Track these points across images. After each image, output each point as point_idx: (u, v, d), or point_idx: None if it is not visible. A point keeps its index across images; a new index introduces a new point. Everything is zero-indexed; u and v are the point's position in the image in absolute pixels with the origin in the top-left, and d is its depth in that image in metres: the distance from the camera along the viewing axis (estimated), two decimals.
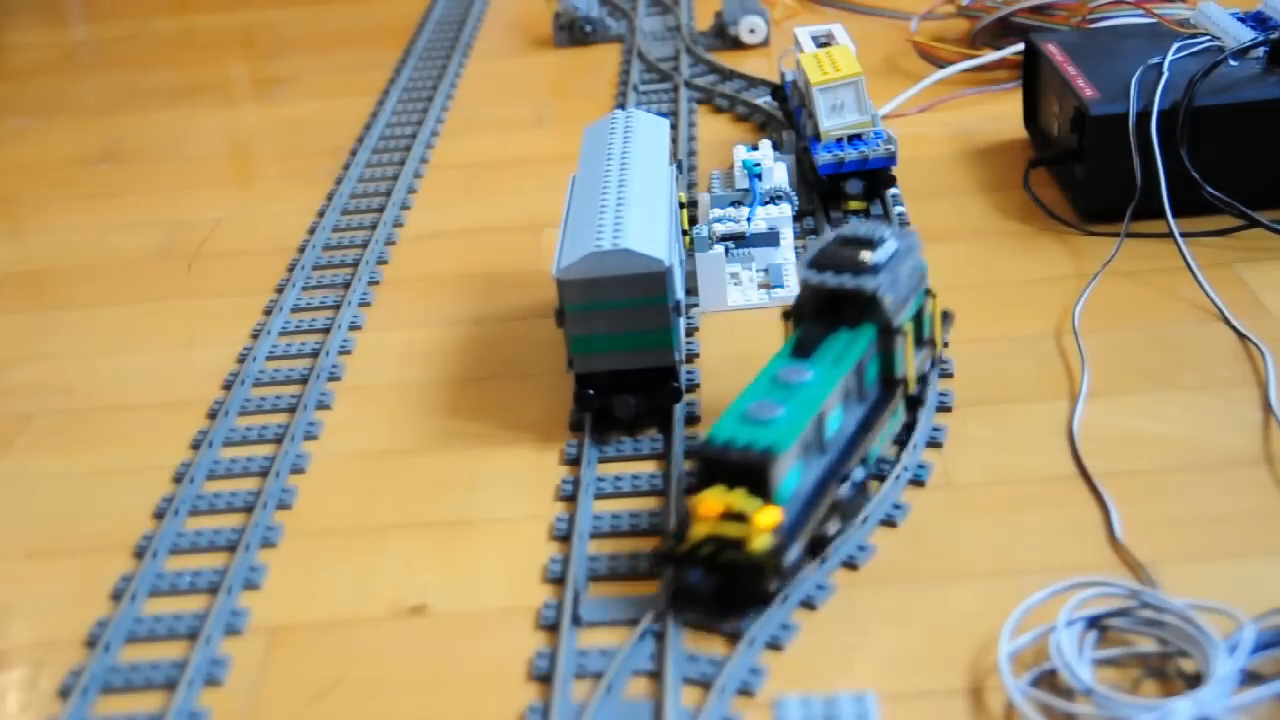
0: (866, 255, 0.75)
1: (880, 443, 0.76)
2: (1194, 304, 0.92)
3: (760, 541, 0.65)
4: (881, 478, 0.77)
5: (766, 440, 0.67)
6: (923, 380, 0.81)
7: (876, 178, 1.07)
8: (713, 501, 0.66)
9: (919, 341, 0.79)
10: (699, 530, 0.67)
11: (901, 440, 0.80)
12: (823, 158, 1.06)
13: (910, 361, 0.77)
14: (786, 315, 0.77)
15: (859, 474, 0.73)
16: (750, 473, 0.66)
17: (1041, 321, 0.92)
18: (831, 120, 1.06)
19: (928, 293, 0.79)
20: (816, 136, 1.07)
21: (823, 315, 0.75)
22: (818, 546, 0.71)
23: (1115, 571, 0.69)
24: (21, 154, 1.48)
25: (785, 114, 1.25)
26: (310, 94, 1.58)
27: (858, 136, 1.07)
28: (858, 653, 0.67)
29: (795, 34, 1.17)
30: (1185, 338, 0.89)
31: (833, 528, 0.72)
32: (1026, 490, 0.76)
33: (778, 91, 1.25)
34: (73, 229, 1.27)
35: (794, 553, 0.68)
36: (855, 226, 0.78)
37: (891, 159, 1.06)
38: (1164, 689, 0.62)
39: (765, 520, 0.65)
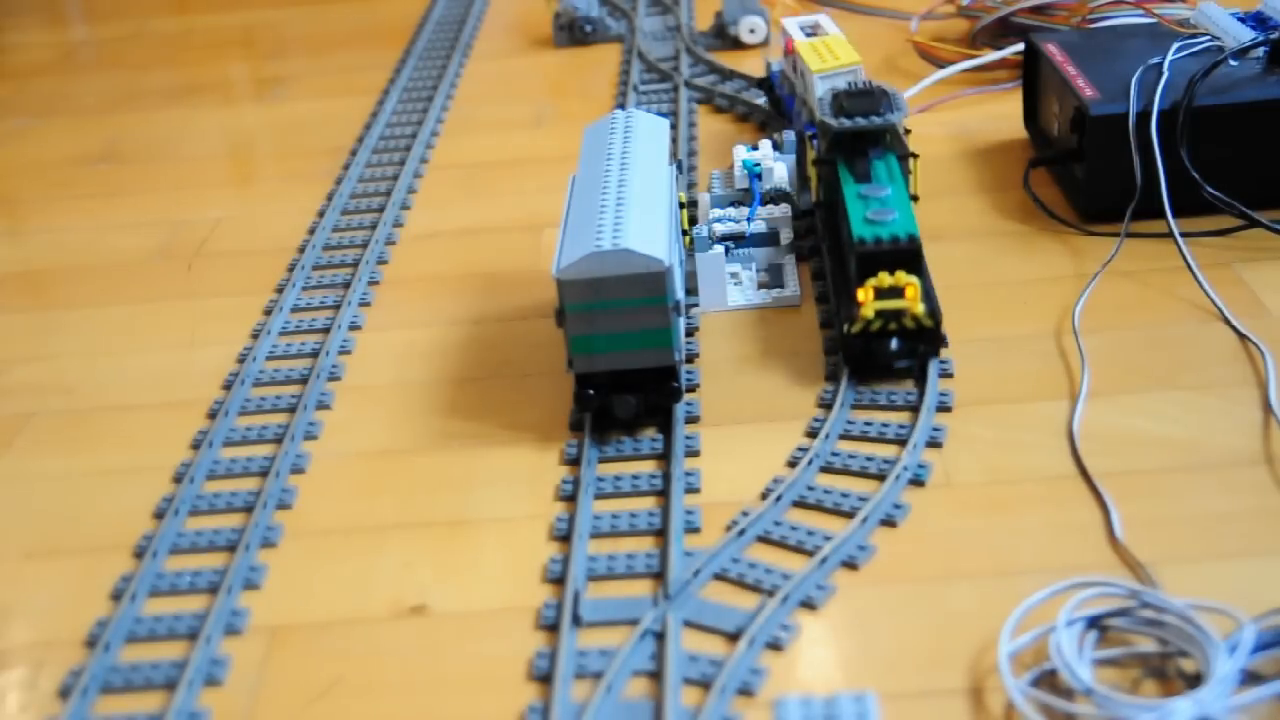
0: (876, 102, 0.94)
1: None
2: (1194, 304, 0.92)
3: (920, 306, 0.83)
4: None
5: (904, 229, 0.84)
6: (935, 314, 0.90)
7: None
8: (870, 289, 0.83)
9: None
10: (867, 311, 0.84)
11: (902, 440, 0.80)
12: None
13: (917, 181, 0.95)
14: (814, 164, 0.99)
15: None
16: (903, 256, 0.84)
17: (1041, 321, 0.92)
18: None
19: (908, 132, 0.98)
20: (812, 124, 1.07)
21: (853, 153, 0.93)
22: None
23: (1115, 571, 0.69)
24: (21, 154, 1.49)
25: (773, 102, 1.28)
26: (310, 94, 1.58)
27: None
28: (858, 653, 0.67)
29: (783, 24, 1.19)
30: (1185, 338, 0.89)
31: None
32: (1026, 490, 0.76)
33: (764, 82, 1.29)
34: (73, 229, 1.27)
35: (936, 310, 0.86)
36: (849, 88, 0.97)
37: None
38: (1164, 689, 0.62)
39: (914, 290, 0.83)
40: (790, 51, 1.18)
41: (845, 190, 0.89)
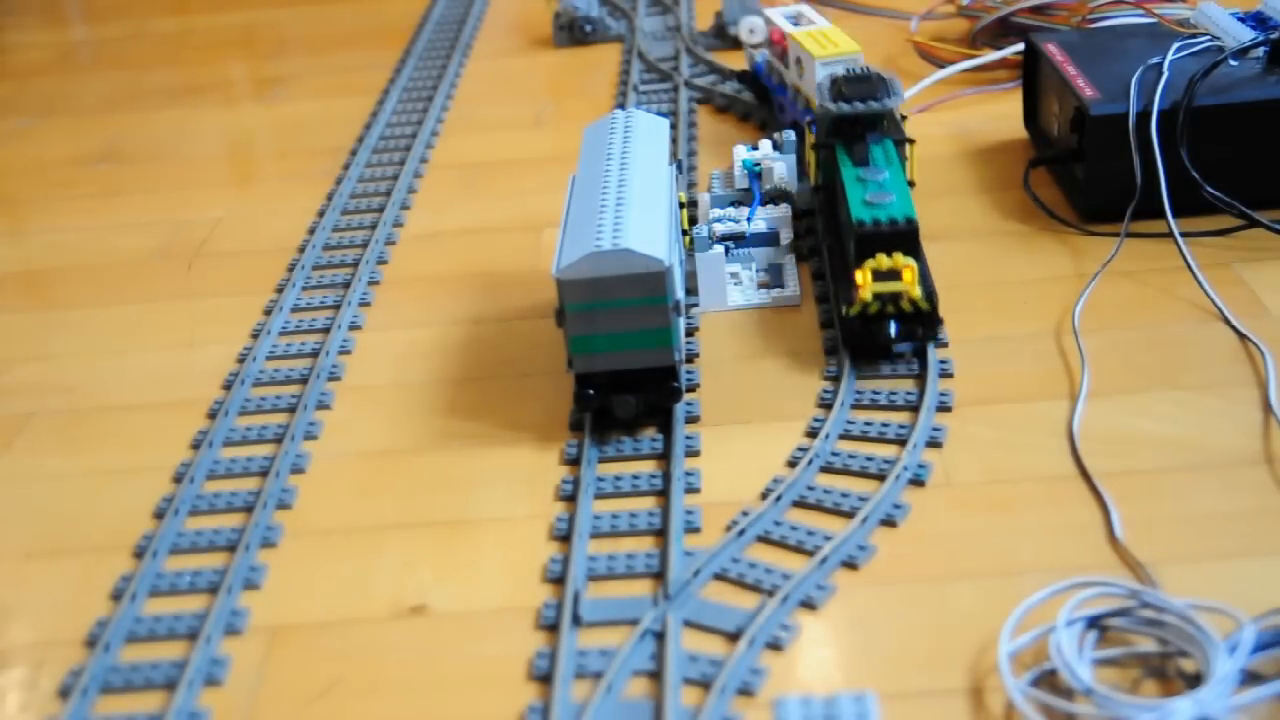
0: (874, 87, 0.96)
1: None
2: (1194, 304, 0.92)
3: (917, 290, 0.84)
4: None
5: (901, 212, 0.86)
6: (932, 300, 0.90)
7: None
8: (867, 271, 0.84)
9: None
10: (865, 294, 0.84)
11: (902, 440, 0.80)
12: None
13: (913, 168, 0.96)
14: (814, 148, 1.00)
15: None
16: (901, 238, 0.85)
17: (1041, 321, 0.92)
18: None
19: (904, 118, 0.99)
20: (810, 109, 1.09)
21: (851, 137, 0.95)
22: None
23: (1115, 571, 0.69)
24: (21, 154, 1.49)
25: (757, 93, 1.30)
26: (310, 94, 1.58)
27: None
28: (858, 653, 0.67)
29: (766, 14, 1.23)
30: (1185, 338, 0.89)
31: None
32: (1026, 490, 0.76)
33: (745, 75, 1.32)
34: (73, 229, 1.27)
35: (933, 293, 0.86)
36: (845, 73, 0.99)
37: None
38: (1164, 689, 0.62)
39: (911, 274, 0.84)
40: (777, 41, 1.21)
41: (844, 173, 0.91)
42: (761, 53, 1.28)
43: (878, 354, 0.88)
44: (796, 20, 1.20)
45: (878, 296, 0.85)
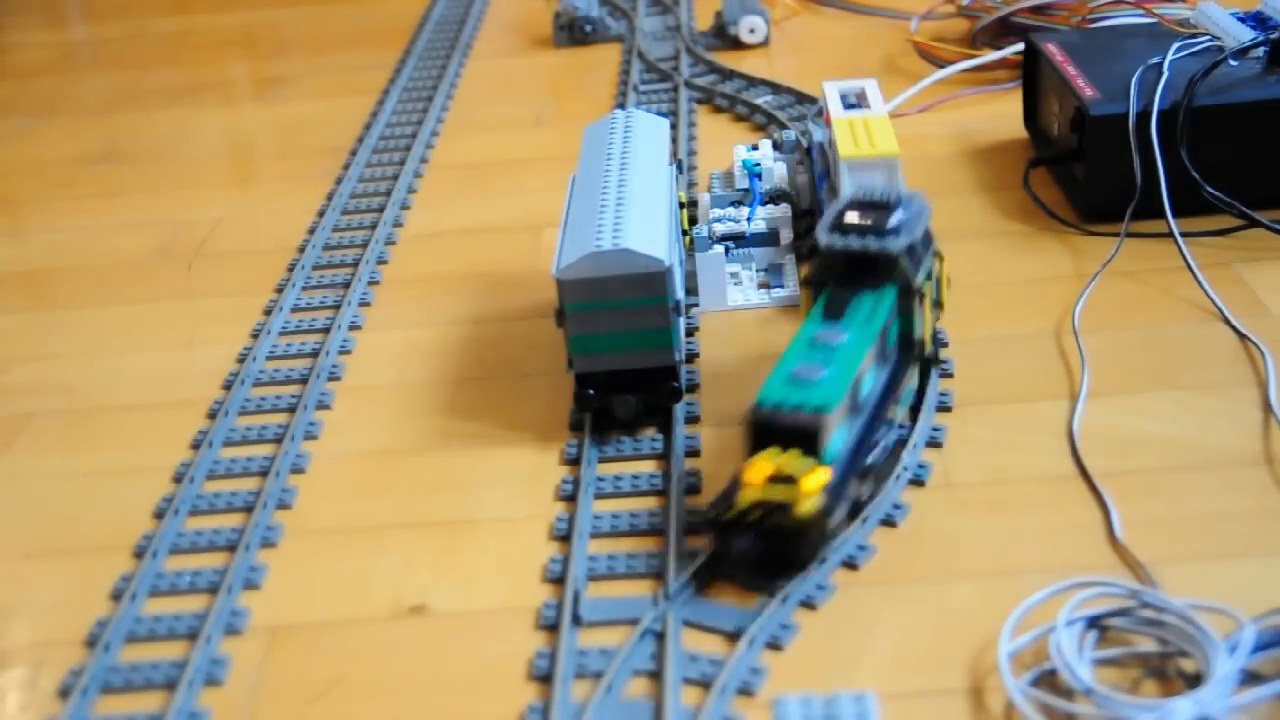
0: (885, 218, 0.77)
1: (902, 404, 0.79)
2: (1194, 304, 0.92)
3: (807, 505, 0.67)
4: (904, 442, 0.79)
5: (816, 400, 0.69)
6: (935, 340, 0.82)
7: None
8: (763, 465, 0.67)
9: (934, 303, 0.82)
10: (747, 496, 0.68)
11: (902, 440, 0.80)
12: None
13: (928, 322, 0.79)
14: (806, 283, 0.79)
15: (891, 436, 0.77)
16: (802, 433, 0.68)
17: (1041, 321, 0.92)
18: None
19: (937, 254, 0.81)
20: None
21: (844, 279, 0.77)
22: (854, 510, 0.73)
23: (1115, 571, 0.69)
24: (21, 154, 1.49)
25: (809, 179, 1.06)
26: (310, 94, 1.58)
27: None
28: (858, 653, 0.67)
29: (824, 88, 1.02)
30: (1185, 338, 0.89)
31: (867, 491, 0.74)
32: (1026, 490, 0.76)
33: (806, 155, 1.08)
34: (73, 229, 1.27)
35: (838, 515, 0.70)
36: (868, 190, 0.80)
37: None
38: (1164, 689, 0.62)
39: (813, 483, 0.67)
40: (829, 123, 0.98)
41: (803, 326, 0.75)
42: (820, 129, 1.06)
43: (740, 574, 0.71)
44: (857, 101, 1.00)
45: (760, 505, 0.68)
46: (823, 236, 0.77)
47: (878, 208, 0.78)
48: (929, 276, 0.80)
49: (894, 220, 0.77)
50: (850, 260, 0.77)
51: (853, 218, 0.77)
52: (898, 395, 0.78)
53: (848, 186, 0.91)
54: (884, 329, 0.75)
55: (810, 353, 0.72)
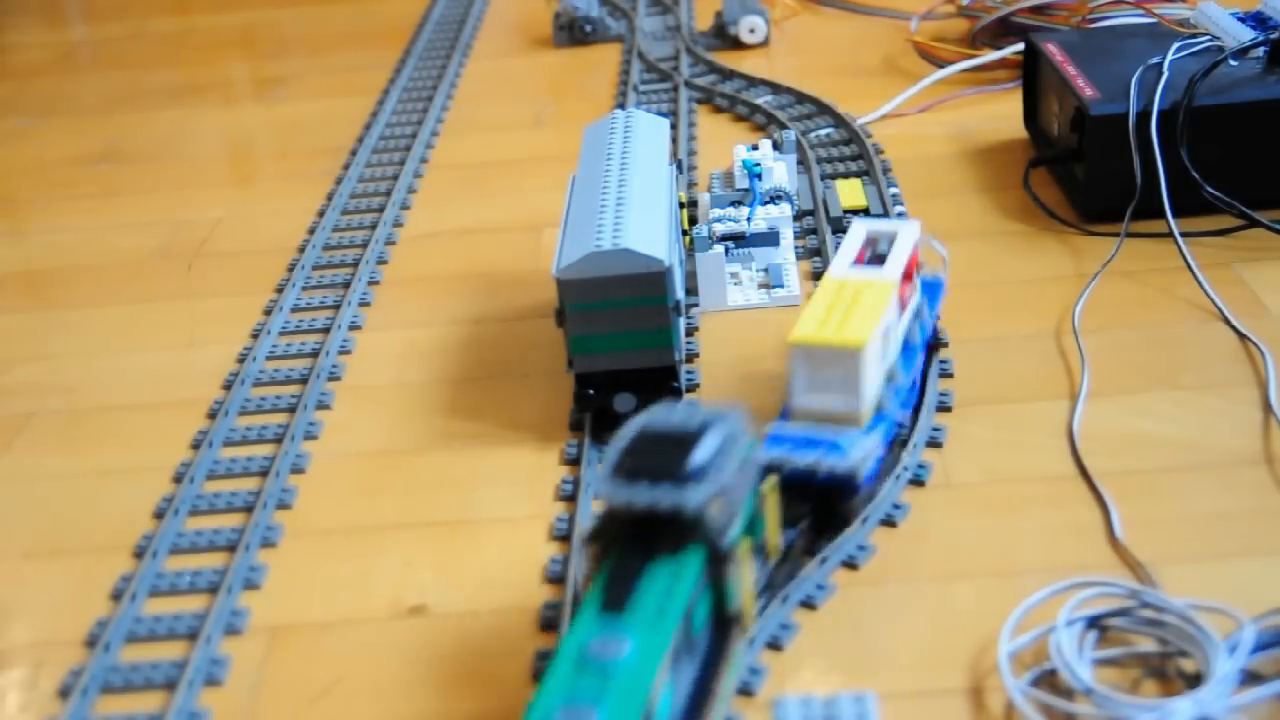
0: (682, 457, 0.56)
1: (722, 703, 0.58)
2: (1194, 304, 0.92)
3: None
4: (904, 441, 0.76)
5: None
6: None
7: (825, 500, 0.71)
8: None
9: (756, 551, 0.63)
10: None
11: (903, 440, 0.80)
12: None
13: (748, 591, 0.60)
14: (588, 540, 0.58)
15: None
16: None
17: (1041, 321, 0.92)
18: (805, 398, 0.72)
19: (760, 485, 0.63)
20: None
21: (634, 541, 0.57)
22: None
23: (1115, 571, 0.69)
24: (21, 154, 1.48)
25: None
26: (310, 94, 1.58)
27: None
28: (857, 653, 0.67)
29: (852, 226, 0.82)
30: (1185, 338, 0.89)
31: None
32: (1026, 490, 0.76)
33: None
34: (73, 229, 1.27)
35: None
36: (665, 415, 0.60)
37: (852, 479, 0.70)
38: (1164, 689, 0.62)
39: None
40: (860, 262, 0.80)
41: (573, 625, 0.55)
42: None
43: None
44: (878, 252, 0.80)
45: None
46: (602, 485, 0.57)
47: (674, 442, 0.57)
48: (749, 527, 0.61)
49: (697, 459, 0.56)
50: (637, 520, 0.57)
51: (641, 459, 0.57)
52: (715, 697, 0.57)
53: (798, 378, 0.71)
54: (686, 615, 0.56)
55: (579, 675, 0.51)
